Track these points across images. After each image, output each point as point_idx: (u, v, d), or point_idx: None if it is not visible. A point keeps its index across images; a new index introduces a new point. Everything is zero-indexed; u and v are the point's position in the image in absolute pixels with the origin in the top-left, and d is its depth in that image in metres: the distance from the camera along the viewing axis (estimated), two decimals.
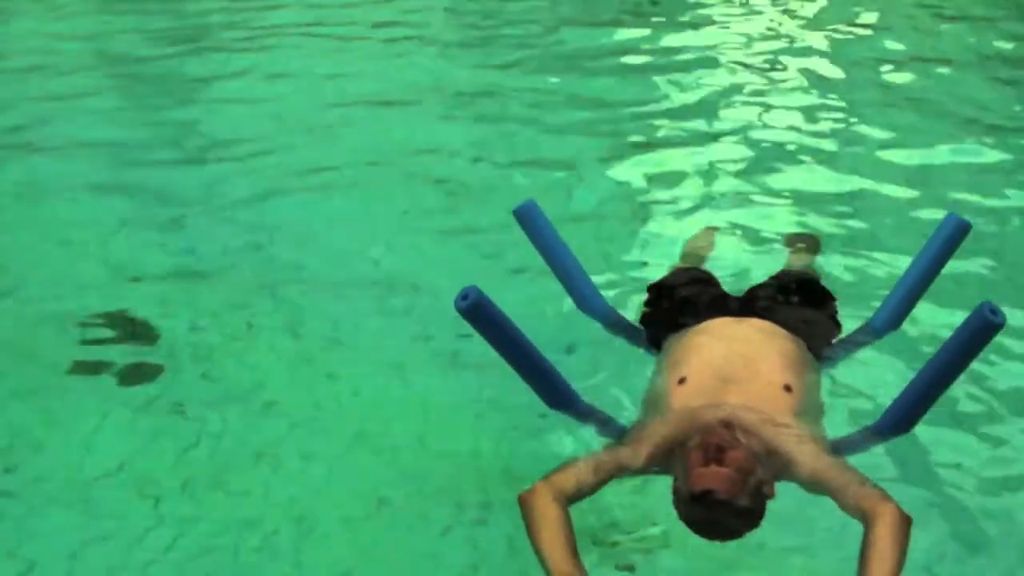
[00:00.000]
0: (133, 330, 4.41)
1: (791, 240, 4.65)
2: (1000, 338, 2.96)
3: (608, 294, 3.95)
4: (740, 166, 5.79)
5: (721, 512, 2.68)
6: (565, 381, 3.29)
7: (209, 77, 8.25)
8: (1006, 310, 2.85)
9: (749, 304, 3.65)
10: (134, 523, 3.27)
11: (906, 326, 3.74)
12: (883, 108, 6.70)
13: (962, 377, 3.05)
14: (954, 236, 3.62)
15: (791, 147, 6.06)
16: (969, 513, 3.18)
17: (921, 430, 3.19)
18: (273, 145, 6.55)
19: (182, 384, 4.02)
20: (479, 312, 3.03)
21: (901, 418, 3.13)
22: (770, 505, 2.81)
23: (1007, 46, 7.91)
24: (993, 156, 5.79)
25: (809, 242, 4.57)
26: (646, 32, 8.73)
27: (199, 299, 4.65)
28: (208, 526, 3.27)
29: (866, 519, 2.65)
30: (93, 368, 4.14)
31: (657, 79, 7.40)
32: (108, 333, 4.39)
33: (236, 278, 4.84)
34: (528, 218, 3.81)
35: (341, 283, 4.74)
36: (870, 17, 8.95)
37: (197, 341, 4.32)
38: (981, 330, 2.85)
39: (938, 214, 3.87)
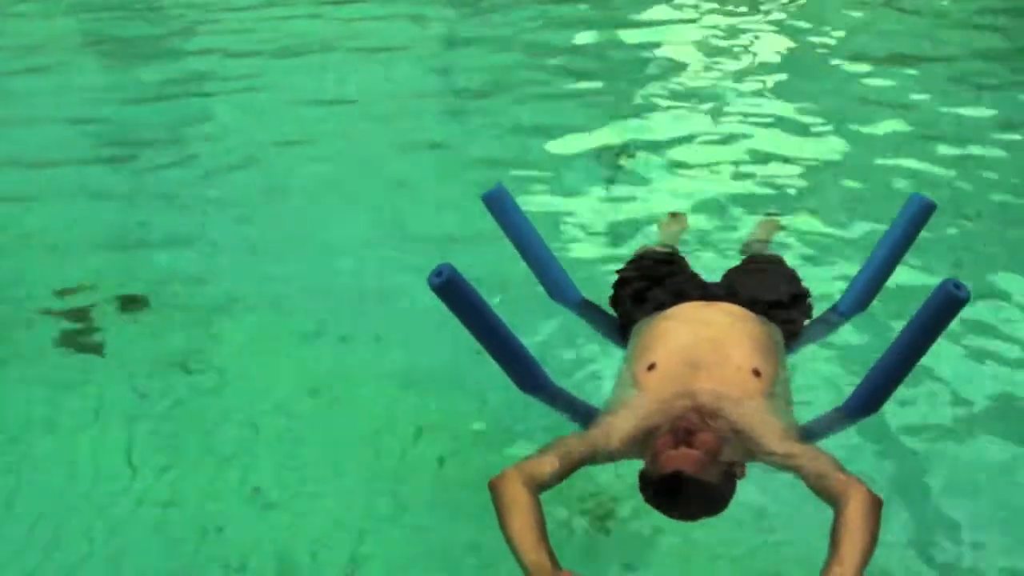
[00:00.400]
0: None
1: (760, 223, 4.66)
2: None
3: (578, 280, 3.91)
4: (707, 147, 5.82)
5: (691, 492, 2.67)
6: (537, 363, 3.28)
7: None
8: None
9: (719, 287, 3.66)
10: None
11: (874, 306, 3.74)
12: (851, 85, 6.75)
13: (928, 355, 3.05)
14: (919, 216, 3.63)
15: (756, 128, 6.10)
16: (937, 493, 3.21)
17: (890, 410, 3.20)
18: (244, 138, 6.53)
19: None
20: (452, 289, 3.01)
21: (869, 398, 3.13)
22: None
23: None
24: (962, 134, 5.85)
25: (773, 224, 4.58)
26: (611, 25, 8.73)
27: (174, 291, 4.65)
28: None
29: (836, 502, 2.66)
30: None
31: (625, 67, 7.41)
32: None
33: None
34: (497, 203, 3.78)
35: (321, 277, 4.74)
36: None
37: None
38: (946, 306, 2.86)
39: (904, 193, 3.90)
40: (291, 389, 3.89)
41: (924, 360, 3.04)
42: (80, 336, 4.25)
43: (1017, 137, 5.86)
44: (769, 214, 4.76)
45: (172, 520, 3.28)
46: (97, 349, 4.17)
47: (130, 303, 4.46)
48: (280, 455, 3.55)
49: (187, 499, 3.38)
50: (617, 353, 3.49)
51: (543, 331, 3.93)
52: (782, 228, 4.59)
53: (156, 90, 7.47)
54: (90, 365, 4.08)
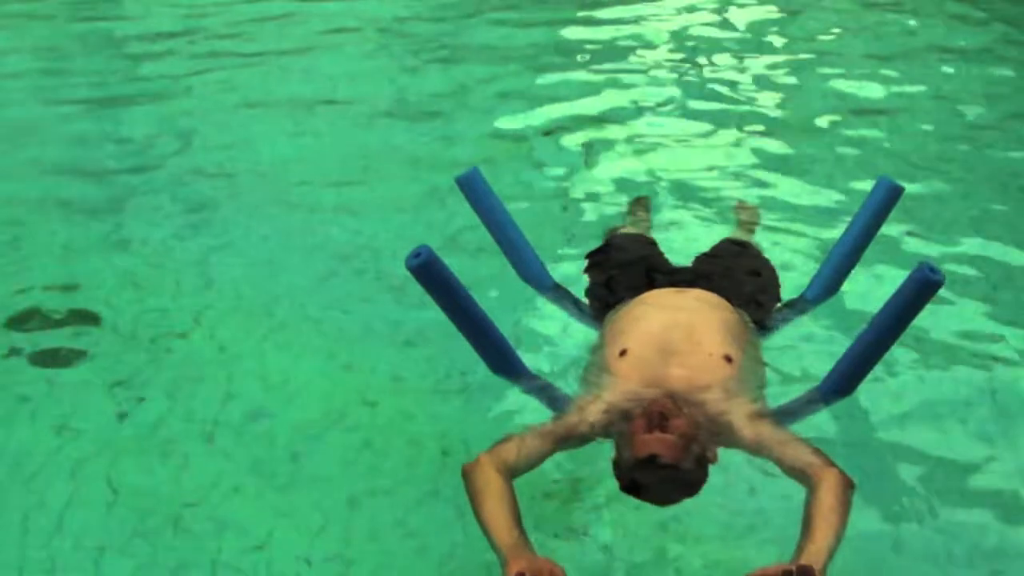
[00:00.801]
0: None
1: (732, 209, 4.66)
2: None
3: (551, 264, 3.91)
4: (681, 133, 5.82)
5: (665, 476, 2.67)
6: (511, 347, 3.27)
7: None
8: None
9: (691, 273, 3.65)
10: None
11: (844, 290, 3.76)
12: (822, 66, 6.79)
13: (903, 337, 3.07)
14: (887, 200, 3.65)
15: (729, 115, 6.11)
16: (909, 476, 3.21)
17: (863, 392, 3.21)
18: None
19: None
20: (429, 271, 3.00)
21: (843, 381, 3.14)
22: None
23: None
24: (933, 118, 5.90)
25: (748, 211, 4.59)
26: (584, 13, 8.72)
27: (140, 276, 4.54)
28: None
29: (809, 483, 2.66)
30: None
31: (596, 54, 7.40)
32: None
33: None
34: (471, 187, 3.76)
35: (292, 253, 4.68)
36: None
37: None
38: (921, 289, 2.87)
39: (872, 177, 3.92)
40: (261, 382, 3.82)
41: (899, 343, 3.06)
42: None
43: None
44: (743, 202, 4.76)
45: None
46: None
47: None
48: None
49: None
50: (589, 338, 3.47)
51: (515, 315, 3.88)
52: (756, 214, 4.59)
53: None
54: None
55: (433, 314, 3.23)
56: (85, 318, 4.19)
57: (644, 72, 6.92)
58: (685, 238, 4.40)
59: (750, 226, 4.45)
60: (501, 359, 3.24)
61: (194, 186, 5.47)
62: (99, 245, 4.85)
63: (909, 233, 4.47)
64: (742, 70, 6.92)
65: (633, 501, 2.78)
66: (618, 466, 2.78)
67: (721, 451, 2.87)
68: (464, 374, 3.62)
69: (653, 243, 4.01)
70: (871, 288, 3.83)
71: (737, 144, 5.66)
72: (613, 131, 5.92)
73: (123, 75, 7.60)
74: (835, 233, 3.91)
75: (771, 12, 8.45)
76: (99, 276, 4.52)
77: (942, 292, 2.97)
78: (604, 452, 2.93)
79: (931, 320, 3.61)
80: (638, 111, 6.23)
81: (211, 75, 7.35)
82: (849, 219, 3.78)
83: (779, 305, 3.68)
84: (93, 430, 3.51)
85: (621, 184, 5.16)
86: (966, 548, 2.94)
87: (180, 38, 8.35)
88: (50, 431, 3.50)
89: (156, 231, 4.94)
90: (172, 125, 6.42)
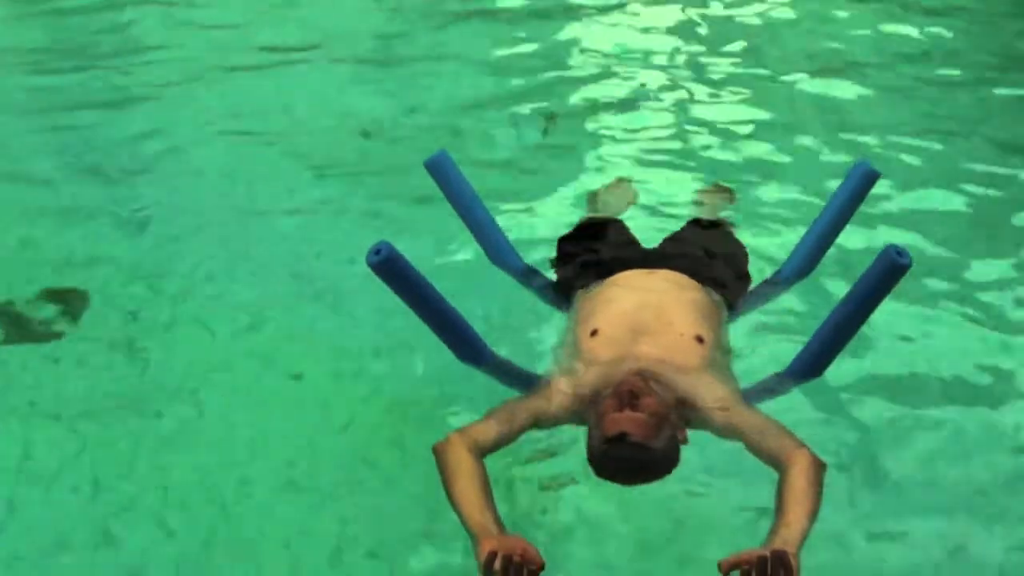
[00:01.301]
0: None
1: (706, 191, 4.67)
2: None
3: (521, 247, 3.91)
4: (652, 116, 5.76)
5: (635, 456, 2.68)
6: (477, 335, 3.26)
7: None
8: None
9: (661, 255, 3.66)
10: None
11: (816, 272, 3.76)
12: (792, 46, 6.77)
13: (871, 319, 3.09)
14: (863, 185, 3.65)
15: (702, 95, 6.07)
16: (880, 457, 3.24)
17: (833, 373, 3.22)
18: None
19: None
20: (391, 267, 3.01)
21: (812, 363, 3.16)
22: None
23: None
24: (908, 102, 5.89)
25: (723, 193, 4.59)
26: None
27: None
28: None
29: (780, 465, 2.68)
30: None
31: (563, 34, 7.33)
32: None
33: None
34: (439, 170, 3.75)
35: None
36: None
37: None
38: (888, 272, 2.89)
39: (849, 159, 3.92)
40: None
41: (868, 325, 3.08)
42: None
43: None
44: (718, 184, 4.76)
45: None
46: None
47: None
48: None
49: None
50: (560, 320, 3.48)
51: (484, 299, 3.88)
52: (731, 196, 4.60)
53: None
54: None
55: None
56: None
57: (623, 52, 6.84)
58: (657, 219, 4.40)
59: (724, 207, 4.45)
60: (468, 348, 3.24)
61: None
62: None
63: (885, 215, 4.49)
64: (721, 49, 6.87)
65: (604, 480, 2.78)
66: (589, 446, 2.79)
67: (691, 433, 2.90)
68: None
69: (624, 226, 4.01)
70: (844, 270, 3.84)
71: (712, 126, 5.64)
72: (591, 112, 5.89)
73: None
74: (811, 216, 3.91)
75: None
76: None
77: (914, 273, 2.98)
78: (575, 432, 2.96)
79: (902, 300, 3.64)
80: (615, 89, 6.17)
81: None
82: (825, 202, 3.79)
83: (752, 286, 3.70)
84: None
85: (597, 166, 5.15)
86: (934, 528, 2.98)
87: None
88: None
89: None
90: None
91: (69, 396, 3.64)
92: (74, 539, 3.04)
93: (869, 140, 5.31)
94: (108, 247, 4.59)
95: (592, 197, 4.57)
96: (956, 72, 6.28)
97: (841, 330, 3.07)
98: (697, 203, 4.52)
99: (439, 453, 2.76)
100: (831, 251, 3.77)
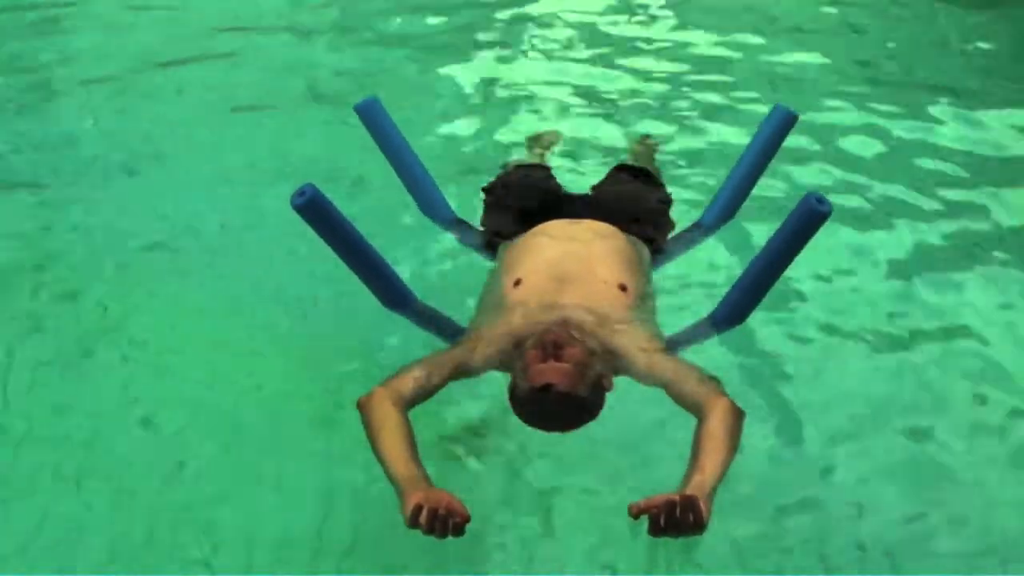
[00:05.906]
0: None
1: (634, 140, 4.66)
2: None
3: (451, 196, 3.87)
4: (585, 67, 5.76)
5: (561, 405, 2.68)
6: (401, 280, 3.24)
7: None
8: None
9: (585, 202, 3.65)
10: None
11: (739, 218, 3.78)
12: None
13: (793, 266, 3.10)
14: (782, 127, 3.67)
15: (629, 46, 6.06)
16: (798, 405, 3.29)
17: (754, 321, 3.25)
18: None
19: None
20: (315, 209, 2.97)
21: (734, 310, 3.17)
22: None
23: None
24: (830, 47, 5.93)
25: (648, 142, 4.59)
26: None
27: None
28: None
29: (700, 412, 2.68)
30: None
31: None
32: None
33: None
34: (370, 115, 3.69)
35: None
36: None
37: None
38: (808, 220, 2.90)
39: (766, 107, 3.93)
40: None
41: (789, 272, 3.10)
42: None
43: None
44: (645, 136, 4.76)
45: None
46: None
47: None
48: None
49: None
50: (484, 270, 3.45)
51: (412, 247, 3.86)
52: (656, 149, 4.60)
53: None
54: None
55: None
56: None
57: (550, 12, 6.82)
58: (584, 164, 4.39)
59: (649, 156, 4.45)
60: (392, 292, 3.22)
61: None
62: None
63: (805, 159, 4.53)
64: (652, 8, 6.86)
65: (527, 429, 2.79)
66: (514, 396, 2.78)
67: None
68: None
69: (549, 172, 3.99)
70: (766, 216, 3.86)
71: (645, 72, 5.64)
72: (526, 64, 5.86)
73: None
74: (731, 160, 3.92)
75: None
76: None
77: (835, 219, 3.00)
78: (499, 380, 2.96)
79: (825, 248, 3.67)
80: (552, 41, 6.17)
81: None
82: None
83: (674, 233, 3.71)
84: None
85: (524, 116, 5.12)
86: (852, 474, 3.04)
87: None
88: None
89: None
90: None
91: None
92: None
93: (795, 87, 5.35)
94: None
95: (530, 143, 4.55)
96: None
97: (762, 278, 3.07)
98: (625, 151, 4.52)
99: (363, 407, 2.73)
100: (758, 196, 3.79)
